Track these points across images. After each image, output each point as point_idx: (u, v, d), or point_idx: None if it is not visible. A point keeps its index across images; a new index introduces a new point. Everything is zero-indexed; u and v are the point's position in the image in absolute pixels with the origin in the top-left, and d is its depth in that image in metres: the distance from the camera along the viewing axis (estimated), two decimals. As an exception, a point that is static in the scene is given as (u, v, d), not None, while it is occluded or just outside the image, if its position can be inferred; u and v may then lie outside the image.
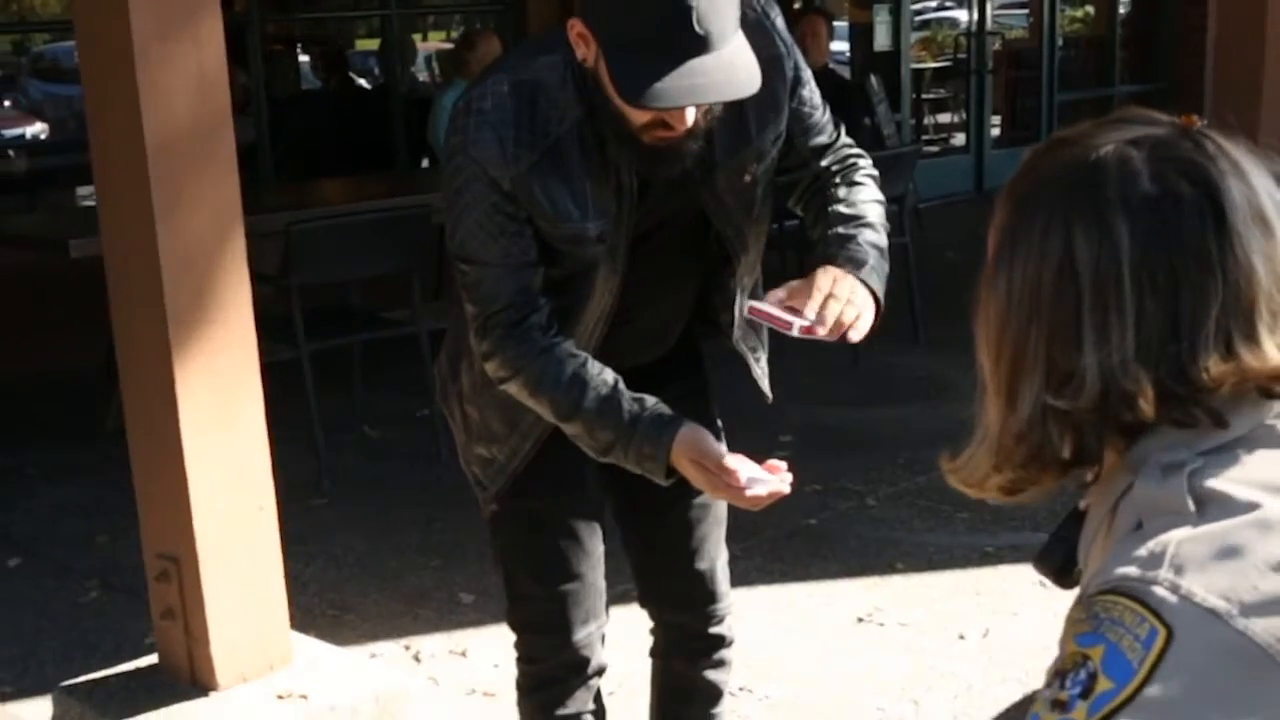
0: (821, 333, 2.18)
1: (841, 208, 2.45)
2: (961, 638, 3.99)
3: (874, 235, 2.40)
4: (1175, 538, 1.18)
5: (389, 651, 4.08)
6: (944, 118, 14.65)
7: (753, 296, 2.61)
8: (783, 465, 2.23)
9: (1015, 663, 3.78)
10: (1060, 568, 1.44)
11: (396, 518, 5.13)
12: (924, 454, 5.43)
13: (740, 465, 2.20)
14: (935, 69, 14.72)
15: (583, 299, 2.39)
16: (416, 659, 4.02)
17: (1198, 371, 1.22)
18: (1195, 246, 1.23)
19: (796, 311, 2.19)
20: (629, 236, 2.36)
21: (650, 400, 2.28)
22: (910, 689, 3.73)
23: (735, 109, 2.32)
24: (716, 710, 2.89)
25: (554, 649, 2.67)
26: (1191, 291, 1.23)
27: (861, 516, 4.98)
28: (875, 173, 2.55)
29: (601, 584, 2.69)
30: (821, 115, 2.51)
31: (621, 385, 2.30)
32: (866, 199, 2.47)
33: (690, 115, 2.17)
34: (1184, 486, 1.21)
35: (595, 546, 2.66)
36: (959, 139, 13.35)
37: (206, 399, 3.36)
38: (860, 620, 4.15)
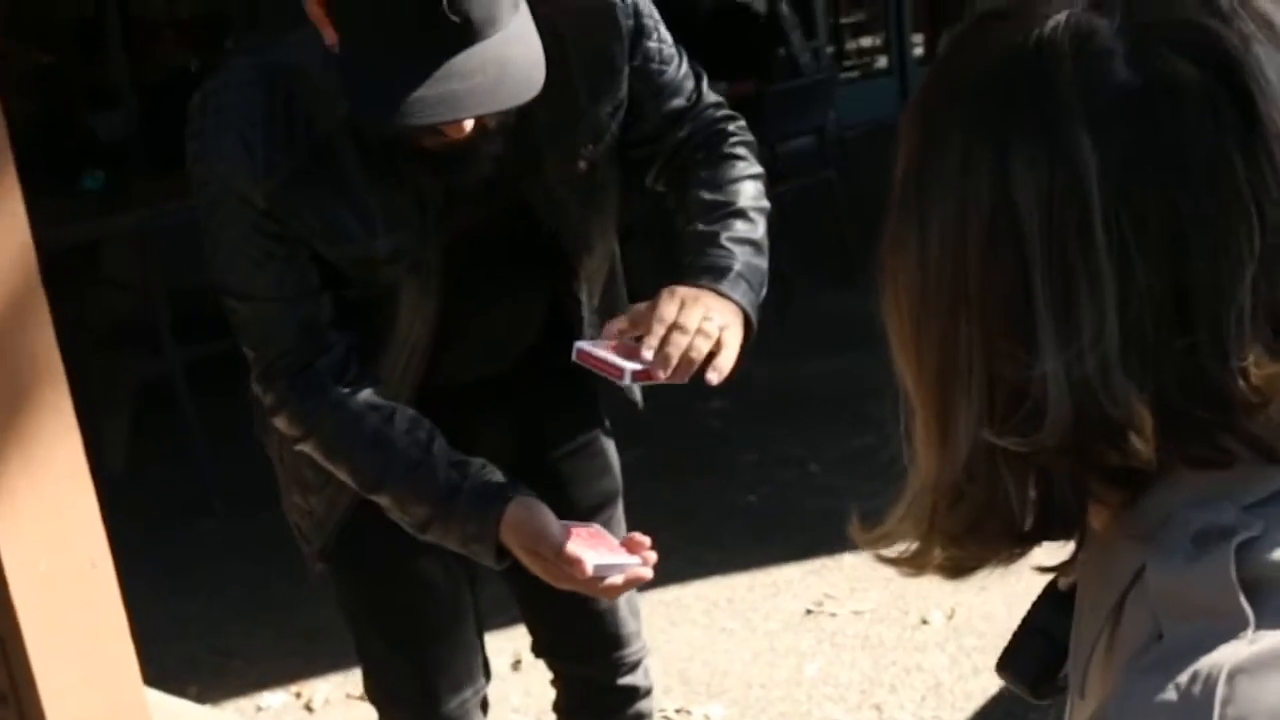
0: (662, 376, 1.70)
1: (704, 193, 1.94)
2: (925, 622, 3.52)
3: (744, 226, 1.90)
4: (1225, 666, 0.69)
5: (278, 702, 3.58)
6: (866, 40, 14.17)
7: (608, 300, 2.11)
8: (646, 541, 1.78)
9: (987, 649, 3.30)
10: (1037, 677, 0.95)
11: (292, 536, 4.60)
12: (869, 408, 4.90)
13: (585, 553, 1.73)
14: (852, -9, 14.21)
15: (386, 329, 1.90)
16: (308, 708, 3.53)
17: (1228, 377, 0.74)
18: (1208, 165, 0.74)
19: (635, 351, 1.71)
20: (438, 250, 1.86)
21: (475, 465, 1.81)
22: (871, 693, 3.26)
23: (559, 77, 1.80)
24: (639, 771, 2.38)
25: (420, 725, 2.18)
26: (1208, 242, 0.73)
27: (805, 486, 4.50)
28: (749, 138, 2.03)
29: (474, 639, 2.20)
30: (676, 71, 1.98)
31: (439, 446, 1.82)
32: (736, 176, 1.97)
33: (468, 121, 1.68)
34: (1230, 569, 0.72)
35: (460, 594, 2.17)
36: (882, 61, 12.87)
37: (7, 445, 2.83)
38: (810, 611, 3.68)
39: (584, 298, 2.05)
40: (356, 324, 1.87)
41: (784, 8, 9.27)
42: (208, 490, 4.94)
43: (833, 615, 3.62)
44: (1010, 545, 0.84)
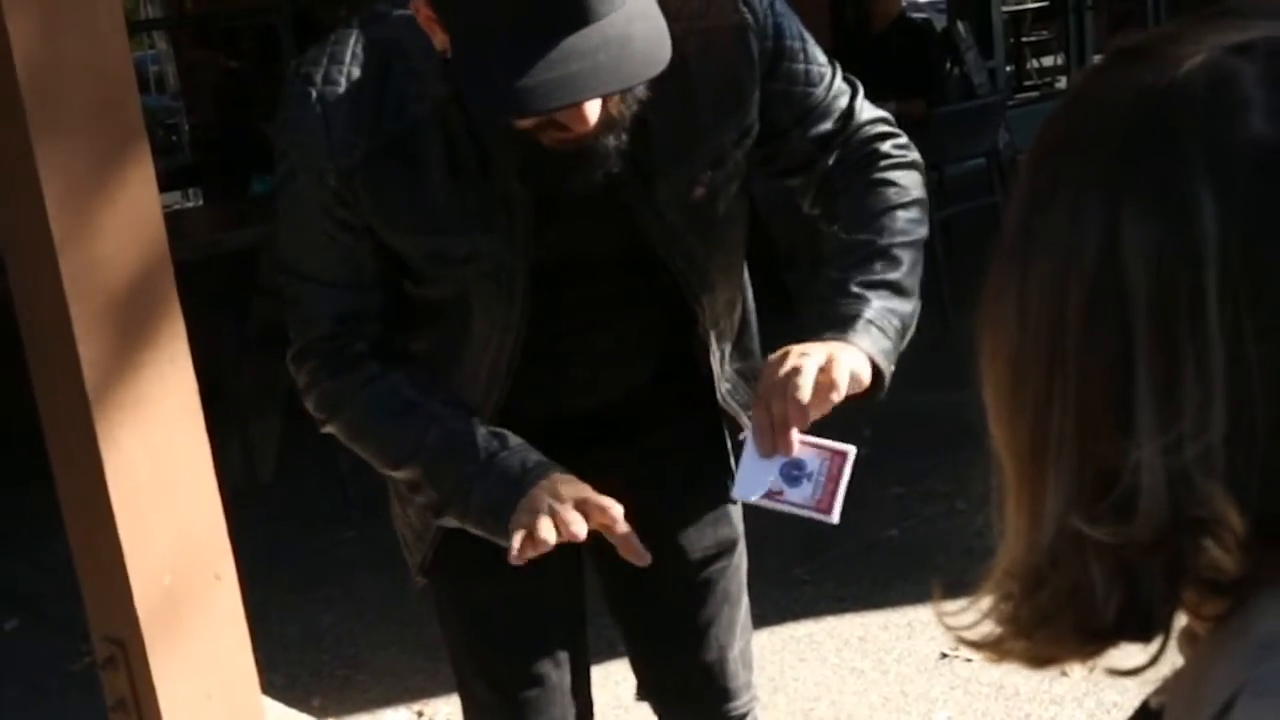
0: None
1: (843, 231, 1.82)
2: (1064, 674, 3.37)
3: (882, 267, 1.78)
4: None
5: (399, 719, 3.56)
6: (1047, 60, 13.90)
7: (739, 352, 2.03)
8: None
9: (1127, 706, 3.14)
10: None
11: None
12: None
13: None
14: (1035, 9, 13.94)
15: (462, 335, 1.83)
16: (428, 728, 3.51)
17: None
18: None
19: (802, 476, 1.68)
20: (524, 260, 1.77)
21: (515, 439, 1.75)
22: (1001, 747, 3.13)
23: (678, 95, 1.71)
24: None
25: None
26: None
27: (949, 523, 4.36)
28: (907, 158, 1.89)
29: (569, 685, 2.13)
30: (825, 93, 1.85)
31: (478, 422, 1.77)
32: (883, 207, 1.83)
33: (592, 110, 1.57)
34: None
35: (560, 638, 2.11)
36: (1063, 82, 12.60)
37: (138, 457, 2.85)
38: (944, 655, 3.55)
39: (713, 345, 1.94)
40: (430, 324, 1.82)
41: (960, 26, 9.11)
42: (347, 501, 4.98)
43: (968, 661, 3.50)
44: (1083, 642, 0.76)
